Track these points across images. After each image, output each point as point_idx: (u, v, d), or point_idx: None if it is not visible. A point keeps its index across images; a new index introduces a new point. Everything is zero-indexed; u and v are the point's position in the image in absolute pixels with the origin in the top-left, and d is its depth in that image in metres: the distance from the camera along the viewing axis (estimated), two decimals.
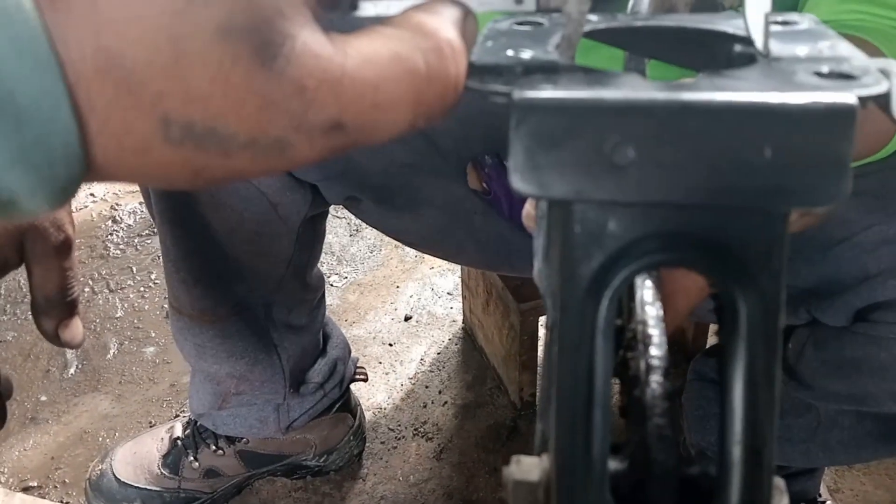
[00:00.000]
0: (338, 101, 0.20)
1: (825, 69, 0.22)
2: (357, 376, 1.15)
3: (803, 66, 0.22)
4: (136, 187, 1.62)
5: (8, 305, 1.48)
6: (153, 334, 1.43)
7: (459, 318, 1.44)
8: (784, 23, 0.28)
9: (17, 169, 0.18)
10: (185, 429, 1.12)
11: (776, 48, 0.25)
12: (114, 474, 1.10)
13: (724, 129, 0.19)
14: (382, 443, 1.22)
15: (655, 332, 0.24)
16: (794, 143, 0.19)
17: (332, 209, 1.00)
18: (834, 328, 0.73)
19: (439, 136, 0.84)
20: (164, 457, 1.11)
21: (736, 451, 0.21)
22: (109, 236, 1.65)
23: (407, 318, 1.45)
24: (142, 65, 0.19)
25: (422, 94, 0.22)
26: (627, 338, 0.26)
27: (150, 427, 1.23)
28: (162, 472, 1.10)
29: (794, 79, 0.21)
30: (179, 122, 0.20)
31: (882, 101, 0.21)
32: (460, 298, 1.41)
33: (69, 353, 1.37)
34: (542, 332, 1.18)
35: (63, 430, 1.25)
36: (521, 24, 0.27)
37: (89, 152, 0.20)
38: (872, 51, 0.54)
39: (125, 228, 1.68)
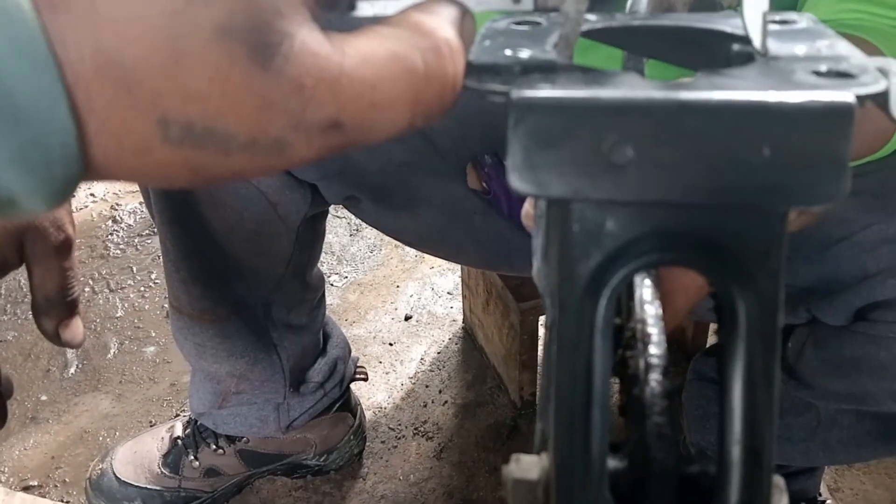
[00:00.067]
0: (336, 100, 0.21)
1: (823, 68, 0.22)
2: (357, 376, 1.15)
3: (801, 64, 0.22)
4: (136, 187, 1.62)
5: (8, 305, 1.48)
6: (153, 334, 1.43)
7: (459, 317, 1.44)
8: (782, 22, 0.28)
9: (15, 169, 0.19)
10: (185, 428, 1.12)
11: (774, 47, 0.25)
12: (114, 474, 1.10)
13: (723, 127, 0.19)
14: (383, 442, 1.22)
15: (654, 331, 0.24)
16: (793, 141, 0.19)
17: (332, 209, 1.00)
18: (833, 327, 0.73)
19: (438, 135, 0.84)
20: (165, 456, 1.11)
21: (735, 451, 0.21)
22: (110, 236, 1.65)
23: (407, 318, 1.45)
24: (140, 65, 0.19)
25: (420, 93, 0.22)
26: (627, 336, 0.26)
27: (151, 426, 1.23)
28: (162, 472, 1.10)
29: (793, 77, 0.21)
30: (178, 121, 0.20)
31: (880, 99, 0.21)
32: (460, 298, 1.41)
33: (69, 353, 1.37)
34: (542, 331, 1.18)
35: (63, 430, 1.25)
36: (518, 23, 0.27)
37: (88, 152, 0.20)
38: (871, 50, 0.54)
39: (125, 228, 1.68)
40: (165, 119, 0.19)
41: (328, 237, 1.27)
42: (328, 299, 1.17)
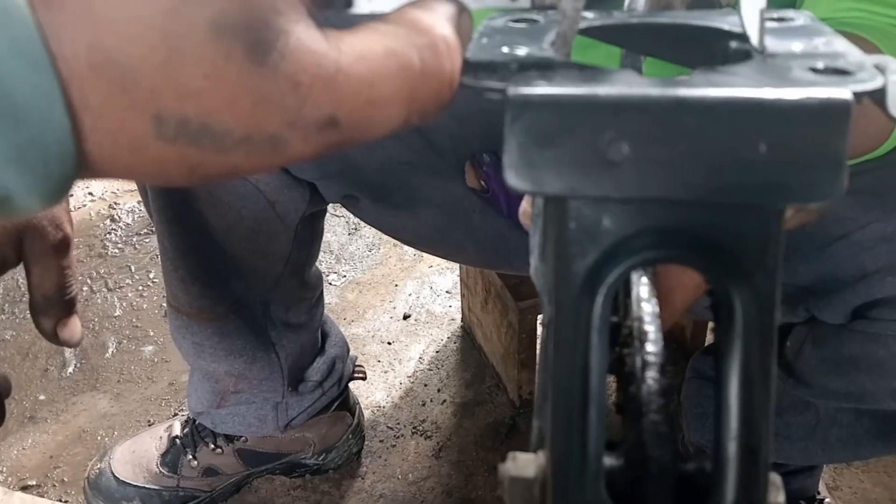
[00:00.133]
0: (332, 97, 0.20)
1: (820, 65, 0.22)
2: (356, 375, 1.15)
3: (798, 62, 0.22)
4: (134, 186, 1.62)
5: (6, 304, 1.48)
6: (152, 333, 1.43)
7: (458, 316, 1.44)
8: (780, 19, 0.28)
9: (12, 167, 0.19)
10: (183, 427, 1.12)
11: (772, 44, 0.25)
12: (112, 473, 1.10)
13: (719, 125, 0.19)
14: (381, 441, 1.22)
15: (651, 329, 0.24)
16: (789, 138, 0.19)
17: (330, 208, 1.00)
18: (832, 326, 0.74)
19: (437, 134, 0.84)
20: (163, 455, 1.11)
21: (731, 448, 0.21)
22: (108, 235, 1.65)
23: (406, 317, 1.45)
24: (135, 62, 0.19)
25: (416, 90, 0.22)
26: (624, 334, 0.26)
27: (149, 426, 1.23)
28: (161, 471, 1.10)
29: (790, 75, 0.21)
30: (173, 118, 0.19)
31: (877, 96, 0.21)
32: (459, 297, 1.41)
33: (68, 352, 1.37)
34: (540, 330, 1.17)
35: (62, 429, 1.25)
36: (516, 21, 0.27)
37: (83, 150, 0.20)
38: (870, 48, 0.54)
39: (123, 227, 1.67)
40: (160, 116, 0.19)
41: (327, 236, 1.27)
42: (327, 298, 1.17)
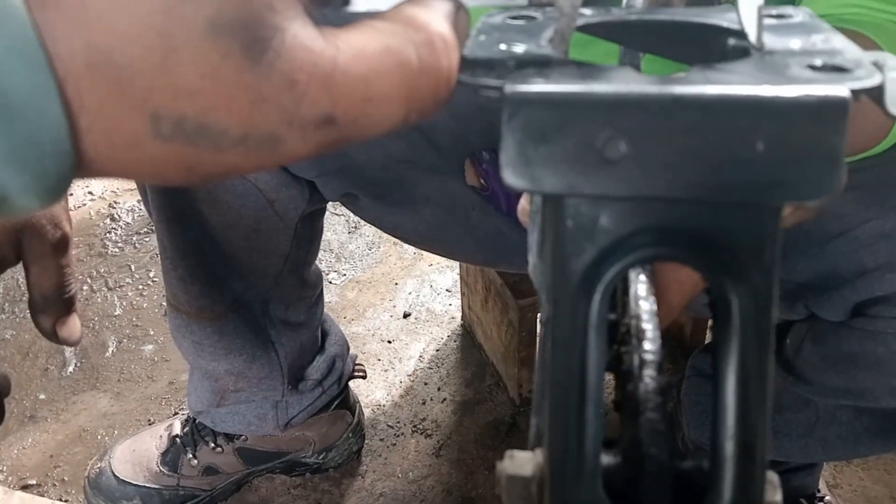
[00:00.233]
0: (329, 95, 0.20)
1: (818, 62, 0.22)
2: (356, 373, 1.15)
3: (796, 59, 0.22)
4: (133, 185, 1.62)
5: (6, 303, 1.48)
6: (152, 332, 1.43)
7: (458, 314, 1.44)
8: (778, 16, 0.28)
9: (8, 166, 0.18)
10: (183, 426, 1.12)
11: (770, 42, 0.25)
12: (113, 472, 1.10)
13: (716, 122, 0.19)
14: (381, 440, 1.22)
15: (649, 327, 0.24)
16: (787, 136, 0.19)
17: (330, 206, 1.00)
18: (832, 323, 0.73)
19: (436, 132, 0.83)
20: (163, 454, 1.11)
21: (728, 446, 0.21)
22: (108, 234, 1.65)
23: (405, 315, 1.45)
24: (132, 61, 0.19)
25: (414, 87, 0.22)
26: (621, 332, 0.26)
27: (149, 425, 1.23)
28: (161, 470, 1.10)
29: (787, 72, 0.21)
30: (169, 117, 0.19)
31: (875, 93, 0.21)
32: (459, 295, 1.41)
33: (67, 352, 1.37)
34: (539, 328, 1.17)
35: (62, 429, 1.25)
36: (514, 18, 0.27)
37: (79, 149, 0.20)
38: (869, 45, 0.54)
39: (123, 226, 1.67)
40: (156, 115, 0.19)
41: (326, 234, 1.27)
42: (326, 297, 1.17)
